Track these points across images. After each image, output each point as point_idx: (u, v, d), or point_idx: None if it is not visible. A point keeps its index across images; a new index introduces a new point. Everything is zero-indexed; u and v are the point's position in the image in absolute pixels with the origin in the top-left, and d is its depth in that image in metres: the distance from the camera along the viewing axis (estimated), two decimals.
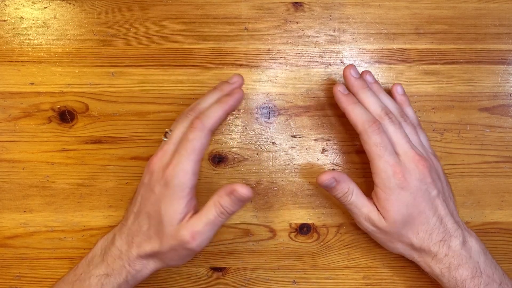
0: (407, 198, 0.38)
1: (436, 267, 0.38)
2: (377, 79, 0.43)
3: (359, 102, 0.39)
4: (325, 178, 0.38)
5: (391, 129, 0.38)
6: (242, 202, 0.36)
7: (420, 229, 0.38)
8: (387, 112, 0.39)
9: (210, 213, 0.36)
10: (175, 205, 0.36)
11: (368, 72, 0.42)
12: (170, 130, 0.39)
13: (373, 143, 0.37)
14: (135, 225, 0.38)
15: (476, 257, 0.38)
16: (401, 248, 0.40)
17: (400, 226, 0.38)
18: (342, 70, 0.41)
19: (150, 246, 0.37)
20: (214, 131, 0.38)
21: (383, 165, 0.37)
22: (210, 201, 0.36)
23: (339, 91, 0.39)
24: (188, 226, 0.36)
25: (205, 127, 0.36)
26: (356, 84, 0.40)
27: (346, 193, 0.39)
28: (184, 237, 0.36)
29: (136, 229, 0.38)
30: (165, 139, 0.39)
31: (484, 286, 0.37)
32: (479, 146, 0.44)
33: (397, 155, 0.38)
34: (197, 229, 0.36)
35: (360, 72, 0.41)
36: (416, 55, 0.44)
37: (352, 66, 0.40)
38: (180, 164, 0.36)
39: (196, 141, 0.36)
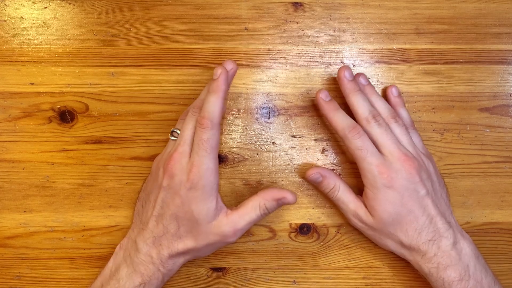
0: (394, 197, 0.38)
1: (424, 266, 0.39)
2: (370, 81, 0.43)
3: (350, 103, 0.40)
4: (311, 173, 0.41)
5: (377, 131, 0.39)
6: (283, 205, 0.39)
7: (408, 227, 0.39)
8: (374, 115, 0.39)
9: (254, 213, 0.38)
10: (208, 204, 0.37)
11: (362, 74, 0.43)
12: (178, 130, 0.39)
13: (355, 147, 0.39)
14: (159, 228, 0.38)
15: (466, 260, 0.38)
16: (391, 245, 0.40)
17: (388, 224, 0.39)
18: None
19: (182, 244, 0.38)
20: (222, 121, 0.39)
21: (368, 166, 0.39)
22: (253, 202, 0.38)
23: (321, 98, 0.40)
24: (230, 223, 0.38)
25: (214, 124, 0.37)
26: (348, 87, 0.40)
27: (332, 189, 0.41)
28: (226, 233, 0.38)
29: (161, 231, 0.38)
30: (173, 138, 0.40)
31: None
32: (479, 146, 0.44)
33: (383, 156, 0.39)
34: (239, 227, 0.38)
35: (355, 73, 0.42)
36: (416, 55, 0.44)
37: (346, 67, 0.41)
38: (203, 164, 0.36)
39: (212, 140, 0.37)
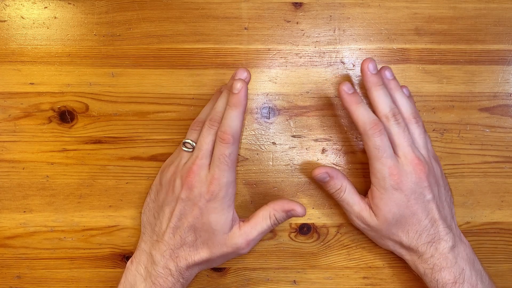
0: (400, 199, 0.38)
1: (420, 266, 0.39)
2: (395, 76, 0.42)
3: (371, 98, 0.39)
4: (318, 172, 0.40)
5: (395, 130, 0.39)
6: (292, 217, 0.40)
7: (410, 229, 0.39)
8: (395, 114, 0.39)
9: (265, 223, 0.38)
10: (225, 214, 0.38)
11: (388, 68, 0.41)
12: (191, 141, 0.39)
13: (373, 145, 0.38)
14: (176, 240, 0.38)
15: (462, 264, 0.38)
16: (390, 245, 0.41)
17: (391, 224, 0.39)
18: (361, 63, 0.39)
19: (199, 256, 0.38)
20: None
21: (380, 166, 0.38)
22: (263, 212, 0.39)
23: (344, 90, 0.39)
24: (243, 234, 0.38)
25: (235, 139, 0.37)
26: (371, 80, 0.39)
27: (338, 189, 0.40)
28: (239, 244, 0.38)
29: (178, 243, 0.38)
30: (186, 149, 0.39)
31: None
32: (479, 146, 0.44)
33: (397, 156, 0.39)
34: (251, 238, 0.38)
35: (381, 67, 0.42)
36: (416, 55, 0.44)
37: (370, 60, 0.39)
38: (224, 178, 0.37)
39: (233, 154, 0.37)
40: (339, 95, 0.40)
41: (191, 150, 0.39)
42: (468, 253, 0.39)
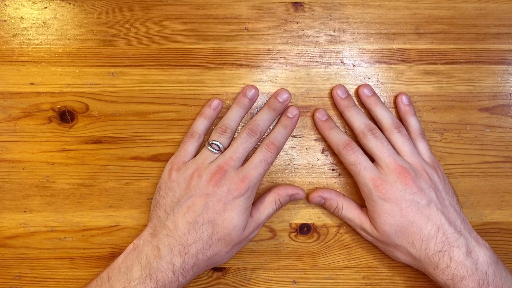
0: (392, 209, 0.39)
1: (439, 278, 0.38)
2: (371, 82, 0.44)
3: (346, 119, 0.42)
4: (313, 197, 0.43)
5: (373, 144, 0.40)
6: (294, 200, 0.43)
7: (414, 239, 0.38)
8: (370, 128, 0.41)
9: (271, 208, 0.42)
10: (246, 212, 0.40)
11: (367, 85, 0.43)
12: (218, 143, 0.41)
13: (349, 162, 0.41)
14: (191, 235, 0.38)
15: (483, 268, 0.37)
16: (401, 257, 0.40)
17: (391, 235, 0.39)
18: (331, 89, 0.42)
19: (210, 251, 0.39)
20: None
21: (362, 180, 0.40)
22: (269, 198, 0.42)
23: (318, 118, 0.43)
24: (255, 220, 0.41)
25: (278, 151, 0.41)
26: (342, 104, 0.43)
27: (335, 208, 0.42)
28: (251, 230, 0.41)
29: (191, 239, 0.38)
30: (212, 149, 0.41)
31: None
32: (479, 146, 0.44)
33: (380, 168, 0.40)
34: (260, 221, 0.41)
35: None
36: (416, 55, 0.44)
37: (339, 86, 0.43)
38: (255, 179, 0.40)
39: (270, 163, 0.41)
40: (315, 123, 0.43)
41: (217, 151, 0.40)
42: (490, 255, 0.38)
